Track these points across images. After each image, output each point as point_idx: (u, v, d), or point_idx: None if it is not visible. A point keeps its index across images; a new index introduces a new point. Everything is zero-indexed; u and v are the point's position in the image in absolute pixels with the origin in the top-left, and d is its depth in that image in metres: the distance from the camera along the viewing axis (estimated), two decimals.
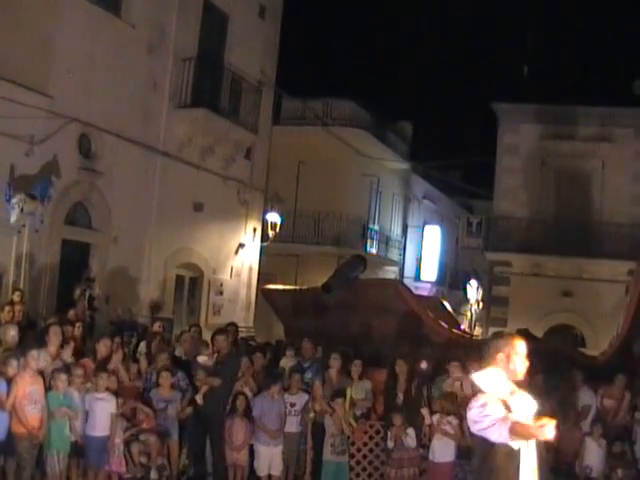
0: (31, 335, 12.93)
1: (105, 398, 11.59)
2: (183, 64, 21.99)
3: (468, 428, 6.92)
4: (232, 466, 12.70)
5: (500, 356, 6.58)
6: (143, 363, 13.59)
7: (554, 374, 14.19)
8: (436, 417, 12.56)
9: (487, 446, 6.31)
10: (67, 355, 12.30)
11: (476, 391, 6.61)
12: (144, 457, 11.93)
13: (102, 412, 11.51)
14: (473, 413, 6.38)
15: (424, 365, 13.98)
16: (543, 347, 17.14)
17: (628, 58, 32.58)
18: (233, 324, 16.98)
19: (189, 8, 22.37)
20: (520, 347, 6.65)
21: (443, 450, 12.33)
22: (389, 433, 12.47)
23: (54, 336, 12.16)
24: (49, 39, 18.27)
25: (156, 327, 15.98)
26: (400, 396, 13.19)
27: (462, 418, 12.27)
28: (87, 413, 11.51)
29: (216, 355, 13.12)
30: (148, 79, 21.22)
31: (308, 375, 14.12)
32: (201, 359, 13.18)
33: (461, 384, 13.23)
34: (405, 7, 53.99)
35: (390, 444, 12.46)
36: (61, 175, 18.11)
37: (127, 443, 11.86)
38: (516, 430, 6.14)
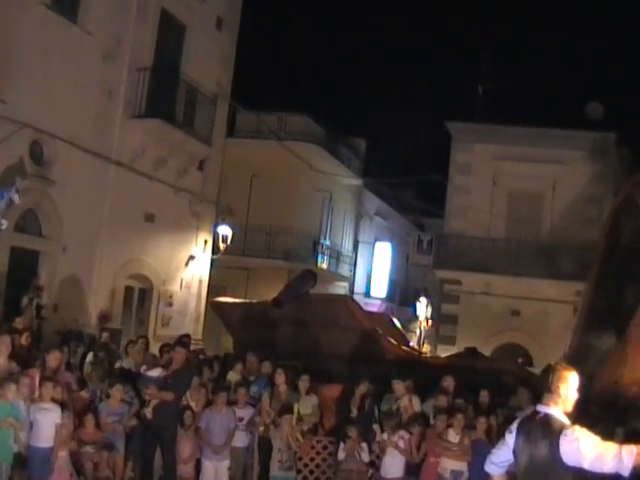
0: None
1: (50, 408, 11.40)
2: (139, 73, 21.88)
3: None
4: (179, 479, 12.60)
5: (562, 388, 6.95)
6: (90, 374, 13.45)
7: (500, 392, 14.28)
8: (386, 434, 12.59)
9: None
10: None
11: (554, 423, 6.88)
12: (89, 469, 11.80)
13: (47, 423, 11.31)
14: (585, 446, 6.61)
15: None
16: (490, 366, 17.27)
17: (582, 81, 33.03)
18: (187, 336, 16.90)
19: (146, 18, 22.27)
20: (575, 379, 7.02)
21: (393, 466, 12.37)
22: (341, 445, 12.44)
23: (3, 346, 11.98)
24: (4, 44, 18.07)
25: (104, 337, 15.84)
26: (354, 411, 13.21)
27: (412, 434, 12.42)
28: (31, 424, 11.34)
29: (168, 369, 12.99)
30: (103, 87, 21.08)
31: (254, 389, 14.07)
32: (154, 372, 13.04)
33: (410, 401, 13.30)
34: (362, 24, 54.17)
35: (341, 455, 12.43)
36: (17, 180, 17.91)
37: (72, 455, 11.73)
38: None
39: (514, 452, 7.08)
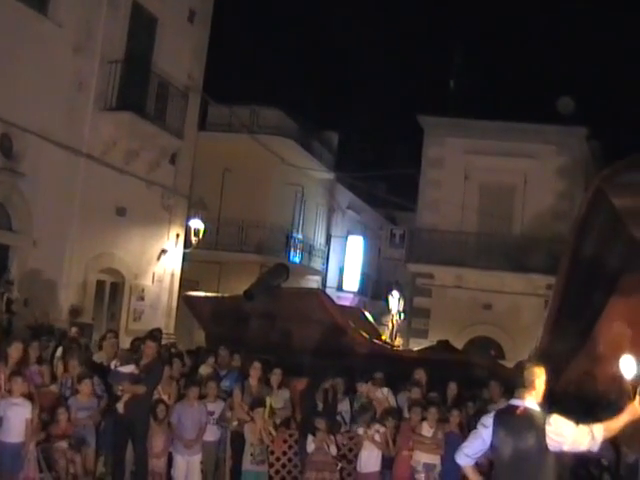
0: None
1: (20, 403, 11.32)
2: (110, 66, 21.74)
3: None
4: (151, 473, 12.55)
5: (537, 382, 7.58)
6: (59, 368, 13.37)
7: (472, 385, 14.34)
8: (362, 428, 12.61)
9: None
10: None
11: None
12: (60, 464, 11.73)
13: (17, 417, 11.23)
14: (565, 432, 7.36)
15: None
16: (462, 359, 17.33)
17: (554, 76, 33.15)
18: (158, 330, 16.83)
19: (117, 10, 22.13)
20: (544, 373, 7.66)
21: (369, 460, 12.41)
22: (310, 437, 12.43)
23: None
24: None
25: (73, 332, 15.73)
26: (319, 405, 13.22)
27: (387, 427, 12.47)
28: (1, 419, 11.25)
29: (140, 363, 12.92)
30: (73, 80, 20.93)
31: (226, 383, 14.05)
32: (127, 368, 12.95)
33: (383, 394, 13.38)
34: (334, 18, 54.14)
35: (310, 447, 12.41)
36: None
37: (43, 450, 11.66)
38: (610, 428, 7.44)
39: (492, 445, 7.50)
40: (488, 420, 7.58)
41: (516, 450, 7.34)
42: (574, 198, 29.96)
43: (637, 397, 7.37)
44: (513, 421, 7.45)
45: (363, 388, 13.66)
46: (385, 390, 13.82)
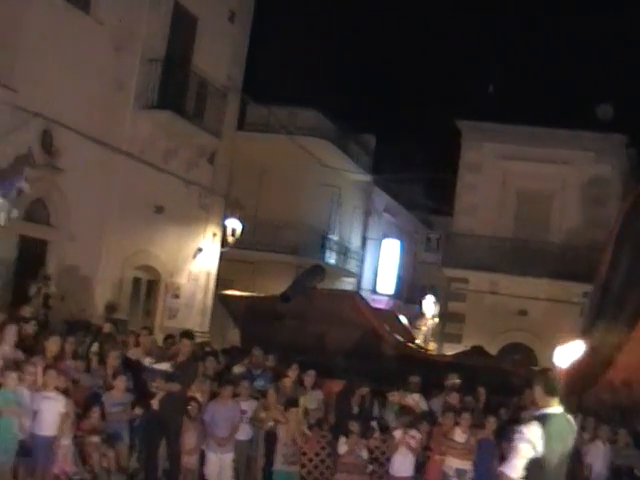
0: None
1: (53, 397, 11.41)
2: (150, 65, 21.87)
3: None
4: (183, 470, 12.61)
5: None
6: (95, 364, 13.46)
7: (504, 392, 14.30)
8: (399, 432, 12.60)
9: None
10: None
11: None
12: (94, 459, 11.81)
13: (50, 411, 11.32)
14: None
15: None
16: (495, 365, 17.28)
17: (593, 82, 32.90)
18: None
19: (159, 9, 22.25)
20: None
21: (403, 464, 12.41)
22: (342, 439, 12.45)
23: (9, 335, 11.99)
24: (16, 33, 18.06)
25: (107, 328, 15.82)
26: (355, 408, 13.22)
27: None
28: (35, 412, 11.35)
29: (175, 361, 12.98)
30: (114, 78, 21.05)
31: (260, 383, 14.08)
32: (161, 366, 13.03)
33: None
34: (374, 21, 54.18)
35: (342, 449, 12.43)
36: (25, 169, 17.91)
37: (78, 444, 11.75)
38: None
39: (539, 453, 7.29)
40: (535, 429, 7.42)
41: (561, 456, 7.34)
42: (611, 205, 29.76)
43: None
44: (559, 426, 7.41)
45: (395, 398, 13.67)
46: (416, 396, 13.83)
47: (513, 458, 7.34)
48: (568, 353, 8.12)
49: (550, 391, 7.53)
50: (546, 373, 7.95)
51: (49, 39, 18.65)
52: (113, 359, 13.09)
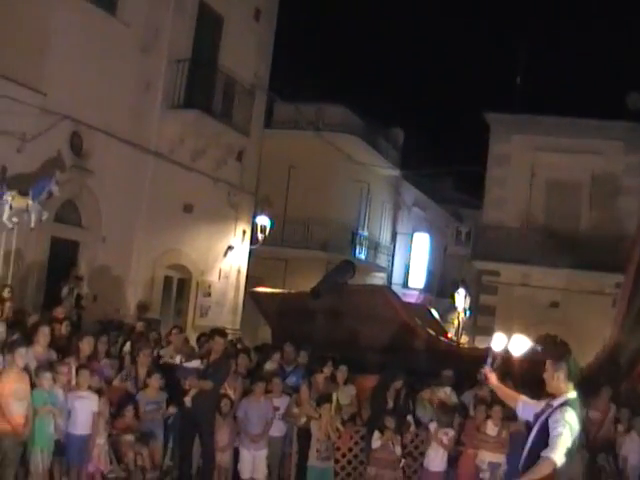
0: (19, 332, 12.85)
1: (87, 396, 11.51)
2: (177, 65, 21.96)
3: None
4: (216, 467, 12.67)
5: None
6: (128, 363, 13.55)
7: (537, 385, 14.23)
8: (433, 426, 12.61)
9: None
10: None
11: None
12: (128, 457, 11.90)
13: (83, 410, 11.42)
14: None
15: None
16: (527, 356, 17.20)
17: (621, 71, 32.73)
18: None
19: (184, 9, 22.34)
20: None
21: (437, 459, 12.42)
22: (376, 434, 12.46)
23: (42, 336, 12.09)
24: (43, 35, 18.17)
25: (139, 327, 15.90)
26: (390, 403, 13.21)
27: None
28: (69, 411, 11.45)
29: (208, 358, 13.04)
30: (141, 79, 21.17)
31: (292, 379, 14.11)
32: (193, 364, 13.11)
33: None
34: (400, 15, 54.11)
35: (375, 444, 12.44)
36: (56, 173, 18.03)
37: (112, 443, 11.84)
38: None
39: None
40: (572, 414, 7.57)
41: (579, 438, 7.60)
42: None
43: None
44: (579, 411, 7.66)
45: (426, 394, 13.67)
46: (447, 389, 13.80)
47: (558, 444, 7.42)
48: (519, 343, 8.17)
49: (571, 377, 7.62)
50: (568, 360, 7.99)
51: (76, 42, 18.76)
52: (144, 358, 13.14)
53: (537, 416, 7.79)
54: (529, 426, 8.02)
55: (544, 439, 7.49)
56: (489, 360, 8.37)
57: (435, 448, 12.48)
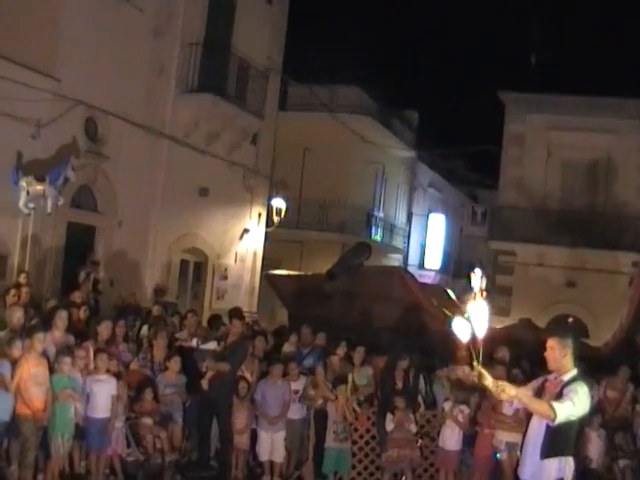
0: (37, 317, 12.92)
1: (105, 380, 11.56)
2: (190, 49, 21.97)
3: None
4: (234, 450, 12.73)
5: None
6: (145, 347, 13.60)
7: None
8: (448, 404, 12.63)
9: None
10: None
11: None
12: (147, 440, 11.97)
13: (102, 394, 11.47)
14: None
15: None
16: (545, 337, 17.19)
17: (638, 49, 32.48)
18: (238, 309, 17.00)
19: None
20: None
21: (452, 438, 12.43)
22: (389, 416, 12.49)
23: (60, 320, 12.15)
24: (56, 21, 18.24)
25: (156, 311, 15.95)
26: (399, 384, 13.21)
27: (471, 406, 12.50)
28: (88, 395, 11.52)
29: (225, 341, 13.09)
30: (154, 63, 21.20)
31: (309, 361, 14.12)
32: (209, 346, 13.17)
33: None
34: None
35: (390, 426, 12.47)
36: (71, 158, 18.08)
37: (131, 426, 11.92)
38: None
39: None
40: (587, 390, 7.72)
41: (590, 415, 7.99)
42: None
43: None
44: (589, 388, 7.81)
45: (443, 372, 13.67)
46: (466, 368, 13.78)
47: (566, 403, 7.53)
48: (463, 327, 8.10)
49: (576, 356, 7.72)
50: (576, 340, 8.06)
51: (89, 27, 18.82)
52: (162, 341, 13.18)
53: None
54: None
55: None
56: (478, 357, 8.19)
57: (451, 426, 12.49)
